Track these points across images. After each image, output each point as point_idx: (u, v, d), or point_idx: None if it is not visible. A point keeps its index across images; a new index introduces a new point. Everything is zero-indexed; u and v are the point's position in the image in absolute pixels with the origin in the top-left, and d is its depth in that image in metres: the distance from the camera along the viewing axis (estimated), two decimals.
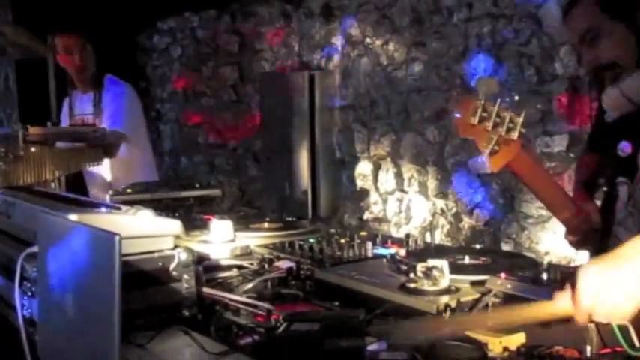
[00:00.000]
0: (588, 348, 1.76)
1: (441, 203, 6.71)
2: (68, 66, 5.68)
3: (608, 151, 2.79)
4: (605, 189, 2.86)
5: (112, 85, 5.70)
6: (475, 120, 2.47)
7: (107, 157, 5.28)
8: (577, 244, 3.01)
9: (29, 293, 2.11)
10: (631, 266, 1.74)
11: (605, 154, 2.85)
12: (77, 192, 4.99)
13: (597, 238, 2.89)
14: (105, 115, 5.57)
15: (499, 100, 2.49)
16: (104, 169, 5.45)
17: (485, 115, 2.47)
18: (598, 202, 3.04)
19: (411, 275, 2.28)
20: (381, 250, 2.90)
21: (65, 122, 5.84)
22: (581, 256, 3.17)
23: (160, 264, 2.30)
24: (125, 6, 7.92)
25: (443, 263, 2.24)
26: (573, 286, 1.74)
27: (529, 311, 1.86)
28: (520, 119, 2.51)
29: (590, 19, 2.62)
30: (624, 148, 2.69)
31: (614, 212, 2.81)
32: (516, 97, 2.42)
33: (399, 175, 7.17)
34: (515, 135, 2.52)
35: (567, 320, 1.78)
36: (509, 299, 2.11)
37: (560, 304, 1.77)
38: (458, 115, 2.56)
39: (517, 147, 2.58)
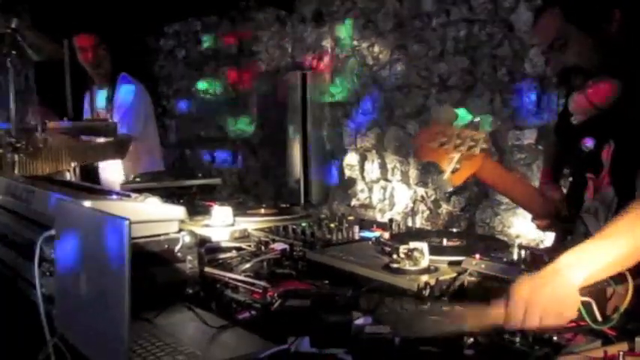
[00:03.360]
0: None
1: (421, 191, 6.71)
2: (84, 63, 5.67)
3: (572, 145, 2.80)
4: (570, 179, 2.86)
5: (125, 82, 5.69)
6: (435, 145, 2.47)
7: (118, 158, 5.28)
8: (544, 228, 3.03)
9: (47, 273, 2.11)
10: (557, 282, 1.74)
11: (570, 148, 2.86)
12: (90, 178, 5.00)
13: (562, 222, 2.91)
14: (117, 111, 5.56)
15: (457, 123, 2.50)
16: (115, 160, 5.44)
17: (444, 139, 2.48)
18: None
19: (394, 256, 2.28)
20: (366, 234, 2.90)
21: (87, 115, 5.83)
22: (550, 239, 3.18)
23: (166, 246, 2.30)
24: (135, 11, 7.91)
25: (423, 245, 2.25)
26: (507, 300, 1.74)
27: (472, 320, 1.83)
28: (482, 135, 2.51)
29: (558, 28, 2.61)
30: (587, 143, 2.70)
31: (579, 200, 2.81)
32: (477, 119, 2.45)
33: (383, 166, 7.17)
34: (477, 150, 2.52)
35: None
36: (483, 278, 2.12)
37: (495, 314, 1.76)
38: (416, 144, 2.59)
39: (479, 161, 2.60)
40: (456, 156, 2.53)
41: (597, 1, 2.57)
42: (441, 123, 2.51)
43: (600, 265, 1.81)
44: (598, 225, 2.73)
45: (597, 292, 1.80)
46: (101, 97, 5.77)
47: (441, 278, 2.17)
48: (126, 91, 5.64)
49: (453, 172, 2.59)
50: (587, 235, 2.78)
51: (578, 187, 2.83)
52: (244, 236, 2.97)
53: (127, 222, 1.53)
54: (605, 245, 1.85)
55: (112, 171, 5.55)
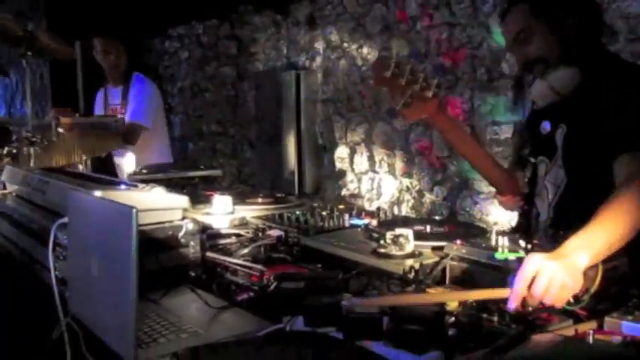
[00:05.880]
0: None
1: (406, 181, 6.71)
2: (105, 64, 5.67)
3: (533, 129, 2.84)
4: (532, 160, 2.90)
5: (138, 81, 5.71)
6: (388, 74, 2.49)
7: (128, 144, 5.27)
8: (505, 205, 3.10)
9: (61, 257, 2.10)
10: (567, 261, 1.74)
11: (531, 132, 2.90)
12: (104, 170, 4.99)
13: (522, 201, 2.96)
14: (129, 107, 5.58)
15: (412, 60, 2.52)
16: (129, 152, 5.43)
17: (397, 71, 2.49)
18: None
19: (382, 242, 2.28)
20: (356, 221, 2.90)
21: (99, 111, 5.83)
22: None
23: (171, 232, 2.30)
24: (142, 15, 7.90)
25: (408, 232, 2.24)
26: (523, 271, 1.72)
27: (482, 293, 1.83)
28: (434, 81, 2.54)
29: (522, 22, 2.67)
30: (545, 126, 2.74)
31: (534, 184, 2.85)
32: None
33: (371, 158, 7.17)
34: (429, 93, 2.54)
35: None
36: (463, 261, 2.12)
37: (502, 291, 1.75)
38: (373, 69, 2.60)
39: (434, 105, 2.62)
40: (408, 91, 2.55)
41: None
42: (395, 55, 2.56)
43: (602, 246, 1.84)
44: (544, 205, 2.79)
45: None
46: (114, 95, 5.77)
47: (425, 262, 2.17)
48: (138, 90, 5.66)
49: (405, 105, 2.61)
50: (537, 217, 2.81)
51: (534, 170, 2.86)
52: (243, 223, 2.97)
53: (134, 210, 1.52)
54: (605, 228, 1.89)
55: (126, 162, 5.53)
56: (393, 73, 2.52)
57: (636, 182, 2.09)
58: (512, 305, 1.69)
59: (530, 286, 1.69)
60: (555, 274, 1.69)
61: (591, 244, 1.82)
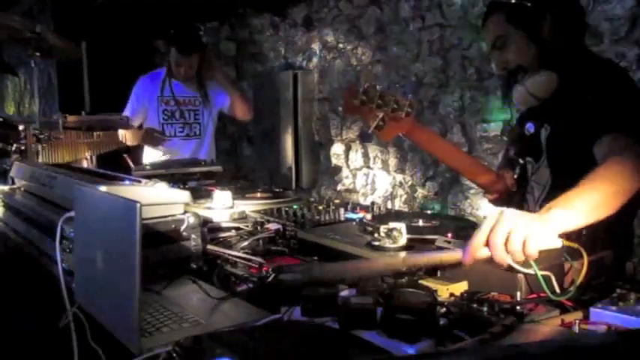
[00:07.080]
0: (518, 293, 1.76)
1: (399, 177, 6.72)
2: (185, 73, 5.52)
3: (520, 131, 2.84)
4: (521, 161, 2.89)
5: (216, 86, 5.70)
6: (357, 102, 2.48)
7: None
8: (494, 202, 3.06)
9: (67, 250, 2.10)
10: (536, 215, 1.74)
11: (517, 134, 2.90)
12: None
13: (512, 199, 2.94)
14: (223, 106, 5.66)
15: (379, 86, 2.51)
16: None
17: (364, 98, 2.49)
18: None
19: (376, 235, 2.28)
20: (351, 215, 2.90)
21: (152, 98, 5.54)
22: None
23: (173, 226, 2.29)
24: (145, 17, 7.89)
25: (401, 225, 2.24)
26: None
27: (440, 257, 1.84)
28: (407, 101, 2.52)
29: (500, 28, 2.66)
30: (529, 128, 2.74)
31: (524, 181, 2.85)
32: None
33: (365, 155, 7.17)
34: (402, 114, 2.52)
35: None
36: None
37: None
38: (343, 99, 2.60)
39: (408, 123, 2.60)
40: (380, 114, 2.53)
41: (532, 4, 2.59)
42: (363, 83, 2.54)
43: (583, 208, 1.82)
44: (534, 202, 2.79)
45: (556, 267, 1.80)
46: (181, 88, 5.61)
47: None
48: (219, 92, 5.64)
49: (378, 128, 2.60)
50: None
51: (523, 170, 2.86)
52: (242, 217, 2.97)
53: (138, 205, 1.52)
54: (585, 193, 1.87)
55: (152, 154, 5.50)
56: (362, 100, 2.52)
57: (616, 157, 2.08)
58: (466, 257, 1.72)
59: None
60: (518, 223, 1.67)
61: (570, 204, 1.81)
